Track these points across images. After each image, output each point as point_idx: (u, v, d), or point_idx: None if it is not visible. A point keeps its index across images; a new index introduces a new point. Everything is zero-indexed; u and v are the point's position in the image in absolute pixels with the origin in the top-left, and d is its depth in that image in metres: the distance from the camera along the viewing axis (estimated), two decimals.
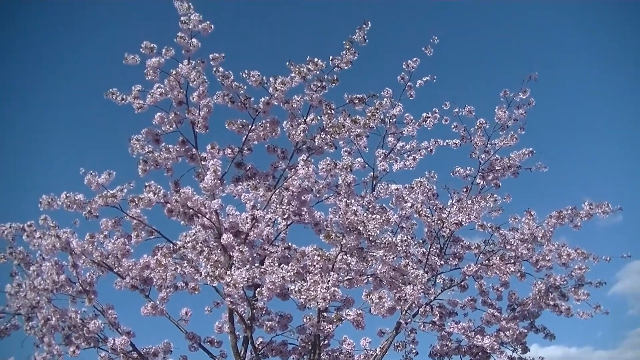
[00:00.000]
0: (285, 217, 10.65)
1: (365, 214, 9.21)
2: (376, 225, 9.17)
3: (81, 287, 10.77)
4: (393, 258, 9.65)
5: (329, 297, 8.83)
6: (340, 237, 9.29)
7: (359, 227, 9.15)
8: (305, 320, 10.62)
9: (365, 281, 10.22)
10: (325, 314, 10.58)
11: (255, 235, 10.38)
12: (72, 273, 10.74)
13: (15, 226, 10.72)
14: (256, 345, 11.23)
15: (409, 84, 12.44)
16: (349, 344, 10.93)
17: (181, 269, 10.03)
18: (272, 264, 9.54)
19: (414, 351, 12.53)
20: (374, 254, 9.50)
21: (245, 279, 9.11)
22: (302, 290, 8.91)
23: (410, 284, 9.81)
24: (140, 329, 11.15)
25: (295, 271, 9.43)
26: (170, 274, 10.13)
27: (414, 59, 12.42)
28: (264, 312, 11.34)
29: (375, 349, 11.27)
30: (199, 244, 9.97)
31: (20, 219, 10.78)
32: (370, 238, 9.30)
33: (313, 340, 11.10)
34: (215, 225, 10.41)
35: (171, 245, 10.73)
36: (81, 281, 10.78)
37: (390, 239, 9.47)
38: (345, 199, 9.48)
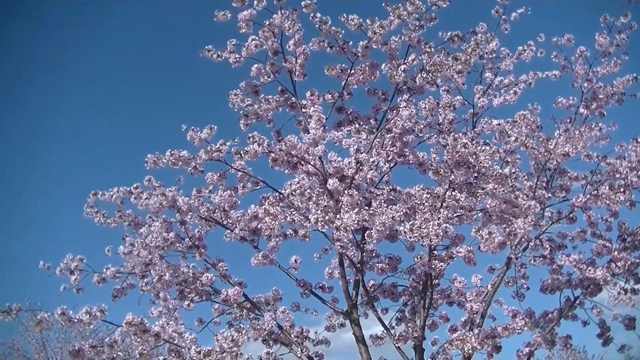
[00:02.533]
0: (389, 159, 10.65)
1: (475, 146, 9.13)
2: (487, 157, 9.10)
3: (191, 243, 11.01)
4: (503, 191, 9.56)
5: (441, 234, 8.82)
6: (449, 173, 9.25)
7: (470, 160, 9.09)
8: (416, 260, 10.67)
9: (475, 217, 10.16)
10: (435, 252, 10.60)
11: (360, 179, 10.41)
12: (181, 230, 10.97)
13: (122, 190, 10.98)
14: (367, 288, 11.31)
15: (503, 17, 12.17)
16: (460, 282, 10.92)
17: (290, 216, 10.08)
18: (379, 205, 9.56)
19: (525, 286, 12.44)
20: (484, 187, 9.42)
21: (356, 222, 9.14)
22: (413, 228, 8.90)
23: (521, 217, 9.72)
24: (250, 280, 11.35)
25: (403, 212, 9.45)
26: (279, 223, 10.21)
27: None
28: (373, 254, 11.41)
29: (487, 286, 11.21)
30: (307, 191, 10.05)
31: (127, 184, 11.05)
32: (482, 170, 9.23)
33: (424, 280, 11.12)
34: (320, 172, 10.46)
35: (277, 194, 10.85)
36: (190, 237, 11.01)
37: (500, 171, 9.38)
38: (453, 134, 9.39)
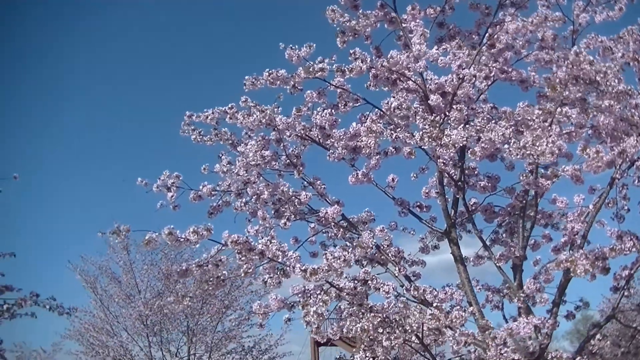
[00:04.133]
0: (491, 74, 10.39)
1: (601, 64, 8.81)
2: (614, 74, 8.78)
3: (288, 161, 10.90)
4: (620, 108, 9.25)
5: (556, 151, 8.55)
6: (563, 89, 8.98)
7: (593, 77, 8.77)
8: (521, 178, 10.47)
9: (583, 134, 9.89)
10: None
11: (462, 95, 10.16)
12: (279, 147, 10.87)
13: (218, 110, 10.83)
14: (469, 207, 11.17)
15: None
16: (562, 202, 10.74)
17: (394, 133, 9.85)
18: (485, 122, 9.35)
19: (626, 207, 12.15)
20: (600, 104, 9.12)
21: (464, 138, 8.94)
22: (526, 146, 8.64)
23: (634, 135, 9.40)
24: (345, 199, 11.26)
25: (511, 129, 9.21)
26: (378, 140, 10.01)
27: None
28: (474, 172, 11.25)
29: (588, 206, 10.97)
30: (411, 108, 9.82)
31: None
32: (609, 88, 8.89)
33: (526, 199, 10.94)
34: (420, 88, 10.23)
35: (378, 111, 10.64)
36: (287, 154, 10.90)
37: (619, 88, 9.05)
38: (575, 49, 9.08)
